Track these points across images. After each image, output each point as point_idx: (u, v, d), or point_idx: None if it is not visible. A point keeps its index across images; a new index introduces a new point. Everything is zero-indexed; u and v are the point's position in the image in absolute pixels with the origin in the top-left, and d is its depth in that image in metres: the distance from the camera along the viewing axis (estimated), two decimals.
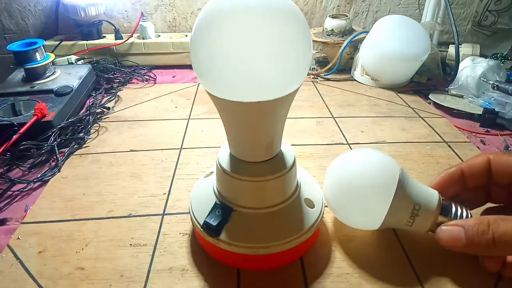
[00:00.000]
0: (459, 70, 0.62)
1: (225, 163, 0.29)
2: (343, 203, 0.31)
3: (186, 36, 0.78)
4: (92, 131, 0.51)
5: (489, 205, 0.32)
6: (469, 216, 0.29)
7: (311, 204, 0.31)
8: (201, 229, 0.29)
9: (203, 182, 0.33)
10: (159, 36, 0.78)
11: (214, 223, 0.28)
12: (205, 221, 0.29)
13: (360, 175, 0.29)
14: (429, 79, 0.69)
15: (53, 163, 0.43)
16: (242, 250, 0.28)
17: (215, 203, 0.30)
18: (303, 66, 0.24)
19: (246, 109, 0.24)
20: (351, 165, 0.31)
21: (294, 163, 0.29)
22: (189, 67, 0.76)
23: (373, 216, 0.29)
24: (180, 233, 0.33)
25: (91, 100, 0.59)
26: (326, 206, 0.33)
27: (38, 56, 0.55)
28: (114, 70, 0.70)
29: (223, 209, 0.29)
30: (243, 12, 0.21)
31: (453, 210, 0.29)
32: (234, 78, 0.22)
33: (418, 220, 0.28)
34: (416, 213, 0.28)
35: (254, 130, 0.27)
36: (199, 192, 0.33)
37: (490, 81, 0.57)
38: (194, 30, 0.23)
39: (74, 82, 0.56)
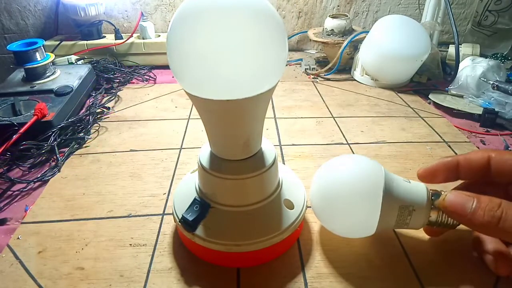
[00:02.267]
0: (459, 70, 0.62)
1: (205, 160, 0.29)
2: (332, 216, 0.30)
3: None
4: (92, 131, 0.51)
5: None
6: None
7: (290, 205, 0.31)
8: (179, 224, 0.29)
9: (188, 178, 0.34)
10: (159, 36, 0.78)
11: (191, 218, 0.28)
12: (182, 215, 0.29)
13: (343, 185, 0.28)
14: (429, 79, 0.69)
15: (53, 163, 0.43)
16: (216, 247, 0.28)
17: (194, 198, 0.30)
18: (275, 67, 0.24)
19: (218, 107, 0.24)
20: (329, 179, 0.29)
21: (273, 162, 0.29)
22: None
23: (366, 224, 0.28)
24: None
25: (91, 100, 0.59)
26: (309, 206, 0.32)
27: (38, 56, 0.55)
28: (114, 70, 0.70)
29: (201, 205, 0.29)
30: (214, 11, 0.22)
31: None
32: (205, 76, 0.23)
33: (413, 218, 0.28)
34: (410, 212, 0.28)
35: (228, 128, 0.27)
36: (182, 188, 0.33)
37: (490, 81, 0.57)
38: (169, 28, 0.24)
39: (74, 82, 0.56)
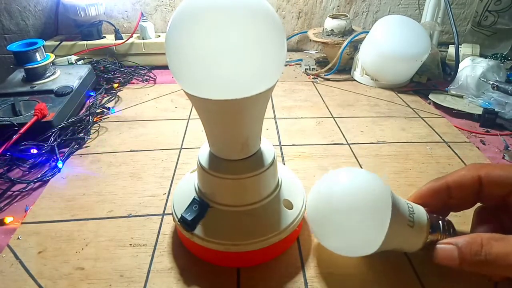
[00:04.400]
0: (459, 70, 0.62)
1: (204, 160, 0.29)
2: (333, 234, 0.28)
3: None
4: (92, 131, 0.51)
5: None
6: (453, 228, 0.28)
7: (289, 206, 0.31)
8: (178, 223, 0.29)
9: (187, 178, 0.34)
10: (159, 36, 0.78)
11: (190, 218, 0.28)
12: (181, 215, 0.29)
13: (347, 203, 0.27)
14: (429, 79, 0.69)
15: (53, 163, 0.43)
16: (214, 246, 0.28)
17: (193, 198, 0.30)
18: (274, 67, 0.24)
19: (217, 107, 0.24)
20: (333, 199, 0.27)
21: (272, 162, 0.29)
22: None
23: (370, 242, 0.27)
24: None
25: (91, 100, 0.59)
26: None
27: (38, 56, 0.55)
28: (114, 70, 0.70)
29: (200, 205, 0.29)
30: (213, 11, 0.22)
31: (440, 224, 0.28)
32: (204, 76, 0.23)
33: (412, 238, 0.27)
34: (410, 231, 0.27)
35: (227, 128, 0.27)
36: (182, 187, 0.33)
37: (490, 81, 0.57)
38: (168, 28, 0.24)
39: (74, 82, 0.56)
